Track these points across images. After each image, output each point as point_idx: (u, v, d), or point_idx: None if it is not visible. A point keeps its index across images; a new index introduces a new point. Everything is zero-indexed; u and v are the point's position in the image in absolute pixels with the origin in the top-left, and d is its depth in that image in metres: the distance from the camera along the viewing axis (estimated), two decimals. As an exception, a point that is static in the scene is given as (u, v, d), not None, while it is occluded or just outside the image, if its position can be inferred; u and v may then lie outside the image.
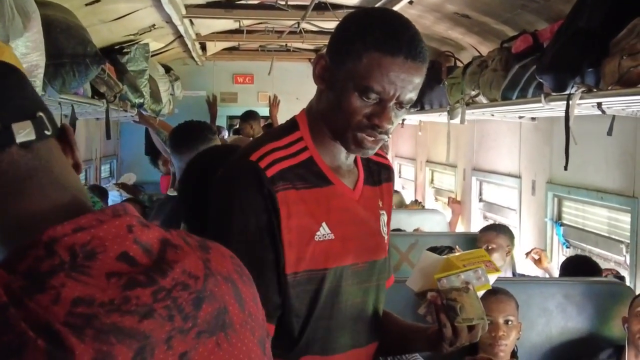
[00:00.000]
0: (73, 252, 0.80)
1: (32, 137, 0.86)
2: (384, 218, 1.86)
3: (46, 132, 0.87)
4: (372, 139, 1.66)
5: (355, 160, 1.81)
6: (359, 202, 1.78)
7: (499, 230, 4.44)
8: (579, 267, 3.91)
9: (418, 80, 1.63)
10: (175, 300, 0.82)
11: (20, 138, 0.84)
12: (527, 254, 4.51)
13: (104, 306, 0.77)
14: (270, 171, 1.63)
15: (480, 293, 1.76)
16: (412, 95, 1.64)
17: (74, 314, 0.75)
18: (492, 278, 1.82)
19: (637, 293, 3.45)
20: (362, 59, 1.60)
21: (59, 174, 0.88)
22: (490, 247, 4.29)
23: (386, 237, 1.87)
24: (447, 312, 1.66)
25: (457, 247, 4.11)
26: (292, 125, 1.76)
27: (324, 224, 1.68)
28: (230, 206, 1.64)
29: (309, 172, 1.69)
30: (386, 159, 1.95)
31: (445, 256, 1.83)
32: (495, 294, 2.91)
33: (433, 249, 4.12)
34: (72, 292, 0.77)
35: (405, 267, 4.59)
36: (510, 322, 2.91)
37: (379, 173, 1.89)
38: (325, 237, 1.67)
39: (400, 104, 1.64)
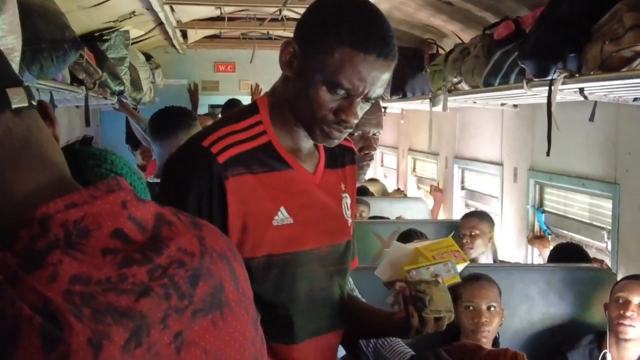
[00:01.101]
0: (67, 229, 0.78)
1: (25, 103, 0.83)
2: (346, 201, 1.85)
3: (33, 102, 0.85)
4: (338, 133, 1.66)
5: (315, 144, 1.79)
6: (320, 186, 1.77)
7: (481, 217, 4.44)
8: (569, 255, 3.91)
9: (387, 77, 1.64)
10: (171, 278, 0.80)
11: (15, 104, 0.82)
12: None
13: (100, 284, 0.76)
14: (223, 156, 1.61)
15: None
16: (380, 91, 1.64)
17: (72, 292, 0.74)
18: (460, 267, 1.84)
19: (618, 279, 3.47)
20: (334, 53, 1.58)
21: (47, 149, 0.86)
22: (473, 233, 4.29)
23: (349, 221, 1.86)
24: (415, 303, 1.67)
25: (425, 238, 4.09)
26: (252, 108, 1.74)
27: (282, 209, 1.66)
28: (180, 192, 1.62)
29: (267, 156, 1.67)
30: (349, 141, 1.93)
31: (414, 246, 1.83)
32: (478, 280, 2.91)
33: (406, 233, 4.13)
34: (70, 270, 0.75)
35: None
36: (493, 309, 2.90)
37: (342, 156, 1.88)
38: (284, 221, 1.66)
39: (367, 99, 1.63)
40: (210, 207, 1.60)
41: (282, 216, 1.66)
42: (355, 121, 1.65)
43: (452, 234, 2.03)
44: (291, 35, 1.73)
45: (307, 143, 1.75)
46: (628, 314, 2.89)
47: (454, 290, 2.82)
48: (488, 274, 3.07)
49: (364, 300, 2.19)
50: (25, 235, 0.76)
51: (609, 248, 3.75)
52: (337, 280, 1.80)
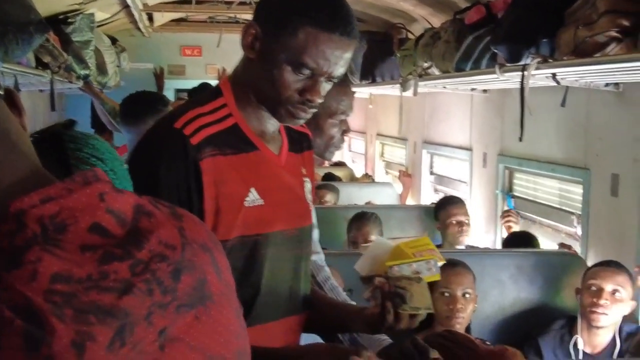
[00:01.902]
0: (43, 224, 0.74)
1: None
2: (308, 185, 1.87)
3: (0, 92, 0.81)
4: (303, 113, 1.67)
5: (278, 127, 1.80)
6: (285, 168, 1.78)
7: (463, 203, 4.51)
8: (519, 243, 3.96)
9: (350, 55, 1.65)
10: (154, 273, 0.77)
11: None
12: None
13: (81, 282, 0.72)
14: (196, 138, 1.60)
15: None
16: (343, 69, 1.65)
17: (53, 291, 0.71)
18: (439, 265, 1.85)
19: (588, 264, 3.49)
20: (298, 33, 1.59)
21: (18, 140, 0.82)
22: (464, 220, 4.34)
23: (311, 205, 1.87)
24: (394, 299, 1.67)
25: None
26: (215, 92, 1.74)
27: (252, 190, 1.67)
28: (152, 175, 1.61)
29: (235, 137, 1.67)
30: (305, 127, 1.94)
31: (395, 243, 1.83)
32: (454, 266, 2.91)
33: (361, 213, 4.14)
34: (50, 267, 0.72)
35: (355, 240, 4.58)
36: (468, 295, 2.91)
37: (300, 141, 1.89)
38: (254, 202, 1.66)
39: (330, 78, 1.65)
40: (188, 189, 1.60)
41: (253, 197, 1.66)
42: (320, 100, 1.66)
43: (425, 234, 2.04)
44: (259, 18, 1.70)
45: (271, 125, 1.75)
46: (601, 302, 2.91)
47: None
48: (460, 259, 3.08)
49: (339, 288, 2.18)
50: (1, 232, 0.73)
51: (579, 233, 3.77)
52: (300, 263, 1.81)
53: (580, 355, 2.99)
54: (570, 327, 3.08)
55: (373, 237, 3.97)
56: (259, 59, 1.65)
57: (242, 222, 1.64)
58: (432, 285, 2.81)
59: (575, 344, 3.02)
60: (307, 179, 1.87)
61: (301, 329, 1.85)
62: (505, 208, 4.66)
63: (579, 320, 3.02)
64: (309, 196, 1.86)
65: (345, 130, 2.36)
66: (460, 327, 2.84)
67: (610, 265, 2.99)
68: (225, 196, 1.62)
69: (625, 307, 2.95)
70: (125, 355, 0.72)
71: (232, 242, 1.63)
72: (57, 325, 0.68)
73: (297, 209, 1.79)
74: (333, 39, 1.59)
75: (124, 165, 0.99)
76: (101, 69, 6.25)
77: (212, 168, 1.61)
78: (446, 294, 2.88)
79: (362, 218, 4.18)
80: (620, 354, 2.96)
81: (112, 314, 0.72)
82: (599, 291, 2.92)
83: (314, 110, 1.69)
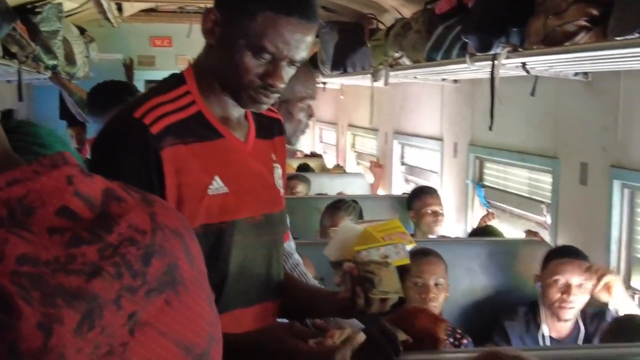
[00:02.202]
0: (9, 207, 0.73)
1: None
2: (278, 171, 1.87)
3: None
4: (266, 98, 1.66)
5: (245, 114, 1.80)
6: (252, 155, 1.77)
7: (437, 193, 4.54)
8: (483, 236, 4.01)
9: (310, 39, 1.65)
10: (123, 256, 0.76)
11: None
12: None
13: (49, 265, 0.71)
14: (156, 127, 1.59)
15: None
16: (304, 53, 1.65)
17: (20, 273, 0.69)
18: (408, 248, 1.85)
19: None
20: (257, 18, 1.58)
21: None
22: (438, 210, 4.37)
23: (282, 191, 1.87)
24: (363, 283, 1.67)
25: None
26: (178, 79, 1.73)
27: (216, 178, 1.66)
28: (113, 166, 1.60)
29: (198, 125, 1.67)
30: (276, 112, 1.94)
31: (363, 227, 1.83)
32: (426, 255, 2.92)
33: (337, 202, 4.14)
34: (16, 249, 0.70)
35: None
36: (440, 285, 2.93)
37: (270, 127, 1.88)
38: (218, 190, 1.66)
39: (292, 62, 1.65)
40: (149, 179, 1.59)
41: (217, 185, 1.66)
42: (282, 85, 1.66)
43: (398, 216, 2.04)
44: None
45: (236, 112, 1.75)
46: (570, 298, 2.93)
47: (403, 266, 2.83)
48: (431, 247, 3.09)
49: (309, 275, 2.18)
50: None
51: (549, 222, 3.80)
52: (271, 250, 1.81)
53: (547, 341, 3.02)
54: (534, 313, 3.10)
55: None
56: (219, 44, 1.65)
57: (205, 210, 1.64)
58: (404, 275, 2.84)
59: (541, 330, 3.05)
60: (277, 165, 1.87)
61: (275, 315, 1.84)
62: (476, 198, 4.69)
63: (543, 310, 3.04)
64: (279, 182, 1.86)
65: (311, 115, 2.37)
66: None
67: (574, 256, 2.99)
68: (188, 185, 1.62)
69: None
70: (93, 339, 0.71)
71: (196, 231, 1.60)
72: (24, 307, 0.67)
73: (265, 196, 1.79)
74: (292, 23, 1.59)
75: (72, 150, 0.97)
76: (69, 59, 6.19)
77: (173, 157, 1.60)
78: (419, 283, 2.89)
79: (336, 207, 4.17)
80: (586, 337, 3.00)
81: (80, 297, 0.71)
82: (567, 287, 2.92)
83: (277, 95, 1.69)
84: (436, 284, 2.91)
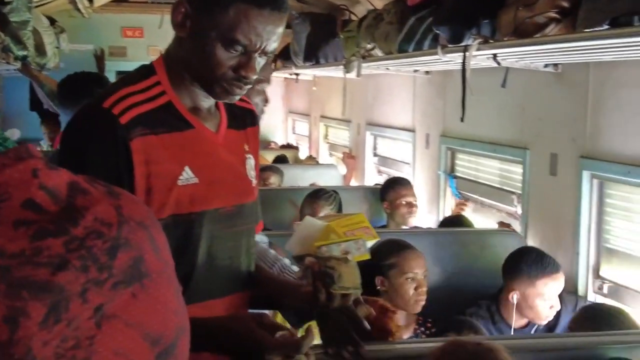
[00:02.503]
0: None
1: None
2: (250, 162, 1.87)
3: None
4: (238, 89, 1.68)
5: (216, 104, 1.80)
6: (223, 146, 1.78)
7: (411, 184, 4.58)
8: (454, 225, 4.04)
9: (282, 30, 1.66)
10: (89, 249, 0.76)
11: None
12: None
13: (14, 258, 0.71)
14: (125, 117, 1.59)
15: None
16: (276, 44, 1.67)
17: None
18: (370, 244, 1.88)
19: (527, 242, 3.57)
20: (229, 10, 1.59)
21: None
22: (413, 202, 4.40)
23: (254, 181, 1.88)
24: (324, 278, 1.68)
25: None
26: (148, 70, 1.73)
27: (186, 168, 1.66)
28: (81, 156, 1.60)
29: (168, 116, 1.67)
30: (249, 103, 1.95)
31: (325, 223, 1.84)
32: (412, 250, 2.96)
33: (316, 190, 4.16)
34: None
35: (302, 221, 4.60)
36: (426, 277, 2.96)
37: (243, 117, 1.89)
38: (188, 181, 1.66)
39: (264, 53, 1.66)
40: (117, 169, 1.58)
41: (187, 175, 1.66)
42: (255, 77, 1.67)
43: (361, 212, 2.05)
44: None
45: (206, 103, 1.75)
46: (552, 311, 3.01)
47: (391, 262, 2.86)
48: (404, 238, 3.12)
49: (292, 266, 2.19)
50: None
51: (519, 212, 3.84)
52: (242, 241, 1.81)
53: (512, 332, 3.06)
54: (497, 305, 3.13)
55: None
56: (190, 37, 1.64)
57: (175, 200, 1.64)
58: (389, 269, 2.87)
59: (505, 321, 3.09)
60: (250, 155, 1.87)
61: (246, 306, 1.85)
62: (448, 189, 4.73)
63: (505, 307, 3.07)
64: (251, 173, 1.86)
65: (266, 100, 2.39)
66: (423, 304, 2.91)
67: (556, 270, 3.02)
68: (157, 175, 1.62)
69: None
70: (60, 331, 0.71)
71: (165, 221, 1.61)
72: None
73: (236, 186, 1.79)
74: (264, 14, 1.60)
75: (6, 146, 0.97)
76: (40, 50, 6.12)
77: (142, 147, 1.60)
78: (412, 279, 2.92)
79: (316, 196, 4.18)
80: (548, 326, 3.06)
81: (46, 290, 0.71)
82: (551, 306, 2.99)
83: (249, 86, 1.70)
84: (425, 277, 2.95)
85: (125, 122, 1.58)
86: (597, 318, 2.72)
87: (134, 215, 0.83)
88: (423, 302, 2.91)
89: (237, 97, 1.72)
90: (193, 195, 1.66)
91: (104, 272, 0.76)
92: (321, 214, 4.03)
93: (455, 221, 4.16)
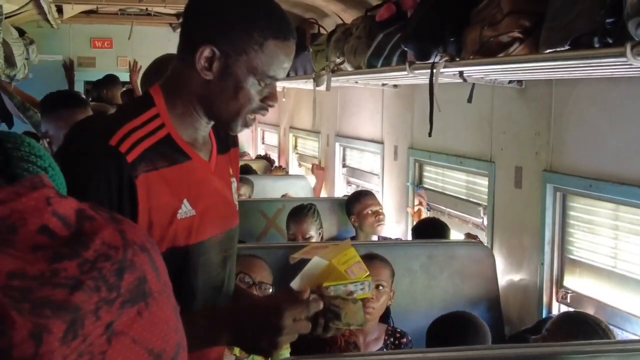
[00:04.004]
0: None
1: None
2: (234, 185, 1.92)
3: None
4: (261, 116, 1.77)
5: (208, 132, 1.83)
6: (215, 173, 1.82)
7: (374, 195, 4.65)
8: (429, 228, 4.12)
9: None
10: (100, 271, 0.82)
11: None
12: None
13: (36, 279, 0.77)
14: (132, 155, 1.61)
15: None
16: None
17: (11, 287, 0.75)
18: (372, 285, 2.06)
19: (494, 253, 3.65)
20: (263, 49, 1.64)
21: None
22: (380, 211, 4.47)
23: (237, 205, 1.93)
24: (327, 314, 1.78)
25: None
26: (147, 101, 1.74)
27: (185, 201, 1.69)
28: (87, 190, 1.60)
29: (167, 149, 1.69)
30: None
31: (327, 261, 1.92)
32: (371, 259, 2.99)
33: (299, 207, 4.22)
34: (5, 266, 0.76)
35: (272, 232, 4.66)
36: (381, 287, 3.01)
37: (227, 139, 1.92)
38: (187, 214, 1.69)
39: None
40: (120, 207, 1.60)
41: (186, 209, 1.69)
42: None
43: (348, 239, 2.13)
44: (172, 12, 1.74)
45: (204, 132, 1.79)
46: None
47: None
48: (373, 250, 3.18)
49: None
50: None
51: (485, 223, 3.92)
52: (228, 265, 1.86)
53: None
54: None
55: (312, 233, 4.11)
56: (220, 78, 1.67)
57: (173, 234, 1.67)
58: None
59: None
60: (233, 179, 1.92)
61: None
62: (416, 200, 4.80)
63: None
64: (235, 196, 1.91)
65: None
66: (370, 317, 2.93)
67: None
68: (158, 209, 1.64)
69: None
70: (76, 347, 0.77)
71: (163, 254, 1.65)
72: (17, 317, 0.73)
73: (224, 212, 1.84)
74: (290, 45, 1.68)
75: (61, 175, 1.03)
76: (9, 61, 6.11)
77: (145, 183, 1.63)
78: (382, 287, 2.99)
79: (300, 213, 4.25)
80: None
81: (64, 308, 0.77)
82: None
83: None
84: (377, 286, 2.99)
85: (132, 160, 1.61)
86: (574, 326, 2.78)
87: (135, 239, 0.90)
88: (369, 310, 2.90)
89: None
90: (190, 227, 1.70)
91: (113, 291, 0.82)
92: (311, 232, 4.13)
93: (429, 224, 4.23)
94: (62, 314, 0.77)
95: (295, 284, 1.92)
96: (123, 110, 1.81)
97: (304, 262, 1.95)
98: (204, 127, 1.76)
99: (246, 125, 1.73)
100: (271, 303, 1.66)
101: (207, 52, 1.65)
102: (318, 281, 1.86)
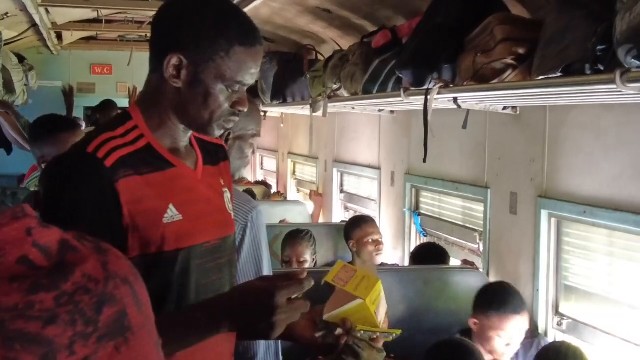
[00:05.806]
0: None
1: None
2: (227, 195, 1.93)
3: None
4: (232, 122, 1.77)
5: (190, 143, 1.86)
6: (202, 182, 1.83)
7: (375, 222, 4.65)
8: (428, 254, 4.11)
9: None
10: (77, 304, 0.81)
11: None
12: None
13: (9, 312, 0.76)
14: (109, 160, 1.63)
15: None
16: None
17: None
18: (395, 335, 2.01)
19: (489, 279, 3.65)
20: (230, 55, 1.67)
21: None
22: (380, 239, 4.46)
23: (232, 214, 1.94)
24: (346, 351, 1.84)
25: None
26: (124, 117, 1.77)
27: (171, 206, 1.70)
28: (69, 202, 1.62)
29: (149, 157, 1.71)
30: (219, 139, 2.01)
31: (361, 300, 1.90)
32: None
33: (296, 231, 4.25)
34: None
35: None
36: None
37: (216, 153, 1.95)
38: (173, 218, 1.70)
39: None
40: (106, 211, 1.62)
41: (172, 213, 1.70)
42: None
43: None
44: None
45: (184, 142, 1.81)
46: (511, 349, 3.07)
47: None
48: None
49: None
50: None
51: (481, 249, 3.92)
52: (226, 273, 1.87)
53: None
54: (470, 337, 3.19)
55: (307, 257, 4.14)
56: (188, 86, 1.69)
57: (161, 238, 1.68)
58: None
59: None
60: (226, 189, 1.93)
61: (234, 336, 1.88)
62: (413, 226, 4.80)
63: (478, 345, 3.13)
64: (229, 206, 1.92)
65: (254, 151, 2.53)
66: None
67: (517, 311, 3.09)
68: (143, 214, 1.66)
69: None
70: None
71: (152, 258, 1.66)
72: None
73: (218, 220, 1.85)
74: (257, 51, 1.71)
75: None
76: (8, 87, 6.15)
77: (127, 188, 1.64)
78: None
79: (296, 237, 4.29)
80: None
81: (36, 342, 0.76)
82: (509, 342, 3.06)
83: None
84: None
85: (110, 164, 1.62)
86: (558, 357, 2.79)
87: (118, 271, 0.89)
88: None
89: (229, 129, 1.83)
90: (178, 232, 1.71)
91: (90, 326, 0.81)
92: (306, 255, 4.16)
93: (427, 248, 4.23)
94: (34, 348, 0.76)
95: (326, 315, 1.93)
96: (101, 126, 1.83)
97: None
98: (183, 136, 1.78)
99: (223, 128, 1.76)
100: (263, 285, 1.65)
101: (174, 61, 1.68)
102: (347, 315, 1.88)
